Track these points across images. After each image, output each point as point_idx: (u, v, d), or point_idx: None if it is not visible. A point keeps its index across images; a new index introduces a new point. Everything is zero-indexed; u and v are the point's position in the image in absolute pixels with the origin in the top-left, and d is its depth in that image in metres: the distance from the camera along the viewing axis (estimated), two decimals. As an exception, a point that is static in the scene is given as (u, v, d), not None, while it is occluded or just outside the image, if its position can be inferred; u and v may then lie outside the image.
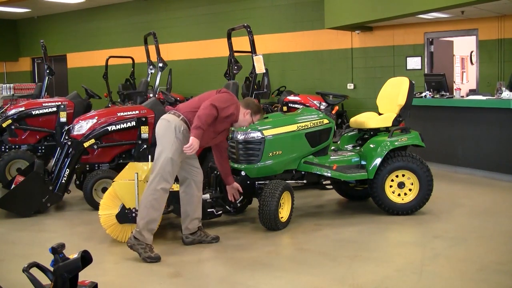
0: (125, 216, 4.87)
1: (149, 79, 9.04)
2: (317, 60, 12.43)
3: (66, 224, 5.81)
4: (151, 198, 4.47)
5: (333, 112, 5.96)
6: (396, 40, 11.31)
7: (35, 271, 2.70)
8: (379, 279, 3.95)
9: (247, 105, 4.87)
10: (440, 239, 4.92)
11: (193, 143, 4.38)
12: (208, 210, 5.31)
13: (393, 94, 6.11)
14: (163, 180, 4.47)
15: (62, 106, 7.75)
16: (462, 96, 8.70)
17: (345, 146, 6.21)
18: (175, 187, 5.33)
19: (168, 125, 4.56)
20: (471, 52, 12.90)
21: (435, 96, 8.49)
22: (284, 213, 5.33)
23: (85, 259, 2.70)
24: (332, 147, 6.07)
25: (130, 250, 4.63)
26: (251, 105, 4.87)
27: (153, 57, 8.38)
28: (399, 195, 5.72)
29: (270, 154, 5.39)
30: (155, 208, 4.49)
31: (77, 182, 6.79)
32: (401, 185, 5.70)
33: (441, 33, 10.92)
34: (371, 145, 5.78)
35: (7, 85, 13.78)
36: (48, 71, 9.46)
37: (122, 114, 6.59)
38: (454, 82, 12.22)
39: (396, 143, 5.71)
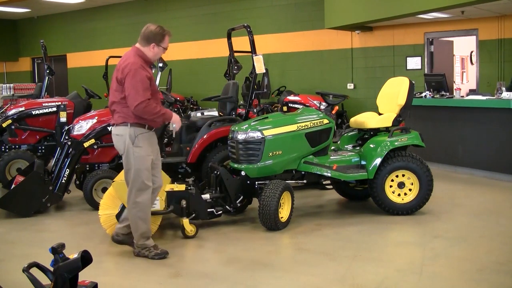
0: (125, 216, 4.87)
1: (149, 79, 9.02)
2: (317, 60, 12.43)
3: (66, 224, 5.81)
4: (135, 212, 4.46)
5: (333, 112, 5.96)
6: (396, 40, 11.30)
7: (35, 271, 2.70)
8: (379, 279, 3.95)
9: (147, 39, 4.43)
10: (440, 239, 4.92)
11: (177, 120, 4.60)
12: (208, 210, 5.32)
13: (393, 94, 6.11)
14: (139, 191, 4.43)
15: (62, 106, 7.75)
16: (462, 96, 8.70)
17: (345, 146, 6.21)
18: (175, 187, 5.34)
19: (122, 139, 4.43)
20: (471, 52, 12.90)
21: (435, 96, 8.49)
22: (284, 213, 5.33)
23: (85, 259, 2.69)
24: (332, 147, 6.07)
25: (130, 250, 4.64)
26: (151, 37, 4.42)
27: (153, 57, 8.36)
28: (399, 195, 5.72)
29: (270, 154, 5.39)
30: (143, 219, 4.49)
31: (77, 182, 6.79)
32: (401, 185, 5.70)
33: (441, 33, 10.92)
34: (371, 145, 5.77)
35: (7, 85, 13.78)
36: (48, 71, 9.45)
37: (122, 114, 6.57)
38: (454, 82, 12.22)
39: (396, 143, 5.71)
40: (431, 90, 8.62)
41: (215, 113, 7.11)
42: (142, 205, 4.46)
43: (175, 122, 4.61)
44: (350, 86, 11.93)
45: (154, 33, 4.44)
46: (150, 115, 4.35)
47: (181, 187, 5.36)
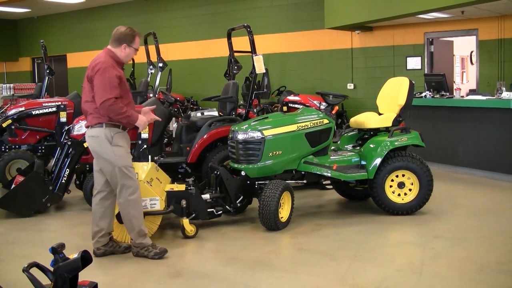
0: (125, 216, 4.86)
1: (149, 79, 9.04)
2: (317, 60, 12.43)
3: (66, 224, 5.81)
4: (127, 211, 4.44)
5: (333, 112, 5.96)
6: (396, 40, 11.31)
7: (35, 271, 2.70)
8: (379, 279, 3.96)
9: (118, 40, 4.45)
10: (440, 239, 4.92)
11: (141, 123, 4.47)
12: (208, 210, 5.32)
13: (393, 94, 6.11)
14: (127, 189, 4.40)
15: (62, 106, 7.75)
16: (462, 96, 8.70)
17: (345, 146, 6.21)
18: (175, 187, 5.34)
19: (98, 140, 4.38)
20: (471, 52, 12.90)
21: (435, 96, 8.49)
22: (284, 213, 5.33)
23: (85, 259, 2.69)
24: (332, 147, 6.07)
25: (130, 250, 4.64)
26: (122, 38, 4.45)
27: (153, 57, 8.38)
28: (399, 195, 5.72)
29: (270, 154, 5.39)
30: (136, 217, 4.47)
31: (77, 182, 6.79)
32: (401, 185, 5.70)
33: (441, 33, 10.92)
34: (371, 145, 5.77)
35: (7, 85, 13.79)
36: (48, 71, 9.46)
37: (122, 114, 6.56)
38: (454, 82, 12.22)
39: (396, 143, 5.71)
40: (431, 90, 8.62)
41: (215, 113, 7.12)
42: (133, 202, 4.43)
43: (140, 125, 4.50)
44: (350, 86, 11.93)
45: (124, 34, 4.48)
46: (116, 114, 4.29)
47: (181, 187, 5.37)
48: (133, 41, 4.52)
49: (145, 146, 6.45)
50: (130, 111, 4.39)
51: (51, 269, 2.70)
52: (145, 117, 4.55)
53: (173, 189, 5.26)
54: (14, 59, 19.53)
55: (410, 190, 5.71)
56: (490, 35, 10.13)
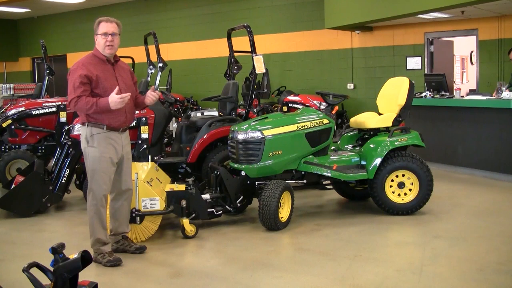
0: (125, 216, 4.86)
1: (149, 79, 9.03)
2: (317, 60, 12.44)
3: (66, 224, 5.81)
4: (90, 215, 4.39)
5: (333, 112, 5.96)
6: (396, 40, 11.31)
7: (35, 271, 2.70)
8: (379, 279, 3.96)
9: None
10: (440, 239, 4.92)
11: (113, 102, 4.15)
12: (208, 210, 5.32)
13: (393, 94, 6.11)
14: (95, 194, 4.34)
15: (62, 106, 7.77)
16: (462, 96, 8.71)
17: (345, 146, 6.21)
18: (175, 187, 5.34)
19: (81, 139, 4.41)
20: (471, 52, 12.90)
21: (435, 96, 8.49)
22: (284, 213, 5.33)
23: (85, 259, 2.70)
24: (332, 147, 6.07)
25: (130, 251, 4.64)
26: (94, 32, 4.41)
27: (153, 57, 8.38)
28: (399, 195, 5.72)
29: (270, 154, 5.39)
30: (96, 224, 4.38)
31: (77, 182, 6.79)
32: (401, 185, 5.70)
33: (441, 33, 10.93)
34: (371, 145, 5.77)
35: (7, 85, 13.78)
36: (48, 71, 9.47)
37: (122, 114, 6.56)
38: (454, 82, 12.22)
39: (396, 143, 5.71)
40: (431, 90, 8.62)
41: (215, 113, 7.12)
42: (93, 209, 4.35)
43: (114, 104, 4.17)
44: (350, 86, 11.93)
45: (94, 29, 4.43)
46: (85, 110, 4.22)
47: (181, 187, 5.37)
48: (97, 28, 4.40)
49: (145, 146, 6.45)
50: (97, 100, 4.20)
51: (51, 269, 2.70)
52: (115, 96, 4.21)
53: (173, 189, 5.26)
54: (14, 59, 19.53)
55: (410, 190, 5.71)
56: (490, 35, 10.14)
